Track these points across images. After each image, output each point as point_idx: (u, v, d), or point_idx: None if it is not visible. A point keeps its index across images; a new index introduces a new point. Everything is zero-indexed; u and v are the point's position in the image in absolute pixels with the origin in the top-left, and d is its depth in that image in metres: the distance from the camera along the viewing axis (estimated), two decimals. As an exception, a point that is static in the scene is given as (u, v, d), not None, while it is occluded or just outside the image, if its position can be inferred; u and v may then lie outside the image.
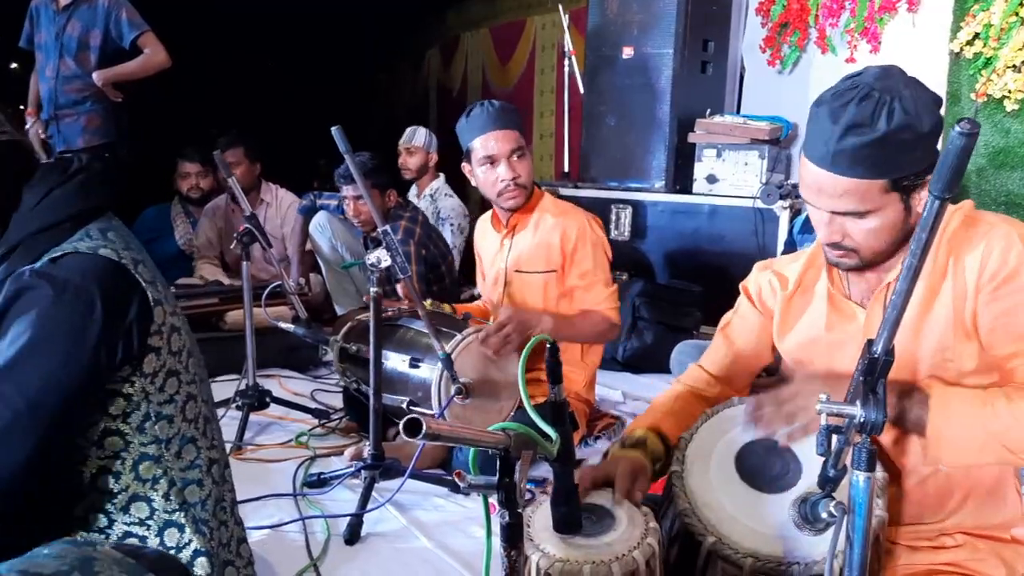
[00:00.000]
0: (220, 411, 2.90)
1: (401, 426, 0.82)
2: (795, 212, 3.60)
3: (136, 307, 1.24)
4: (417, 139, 4.71)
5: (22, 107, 4.34)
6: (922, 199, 1.36)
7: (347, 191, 3.59)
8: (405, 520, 2.20)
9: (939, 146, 1.36)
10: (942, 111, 3.38)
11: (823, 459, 1.17)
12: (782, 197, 3.61)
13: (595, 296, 2.58)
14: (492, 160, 2.53)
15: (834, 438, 1.12)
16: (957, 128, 0.89)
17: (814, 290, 1.60)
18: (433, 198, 4.65)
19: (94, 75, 3.98)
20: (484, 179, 2.58)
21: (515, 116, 2.59)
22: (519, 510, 1.09)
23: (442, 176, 4.77)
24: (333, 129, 2.12)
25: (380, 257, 2.15)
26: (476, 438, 0.97)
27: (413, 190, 4.81)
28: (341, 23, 7.66)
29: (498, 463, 1.05)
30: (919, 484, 1.45)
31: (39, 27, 4.07)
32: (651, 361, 3.58)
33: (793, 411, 1.37)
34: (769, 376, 2.06)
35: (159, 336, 1.28)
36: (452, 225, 4.53)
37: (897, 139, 1.27)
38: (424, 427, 0.82)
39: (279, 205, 4.58)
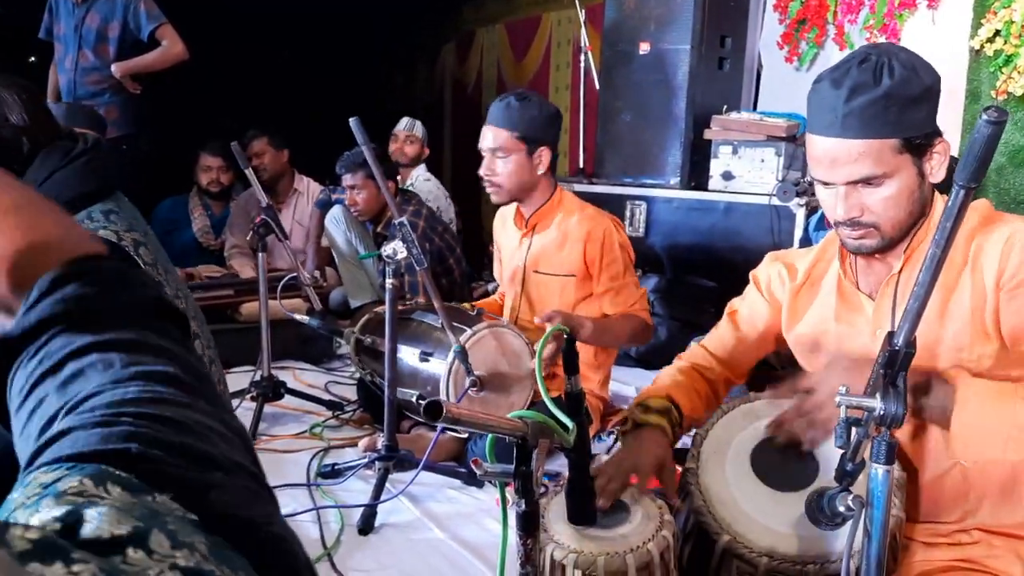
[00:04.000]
0: (235, 401, 2.93)
1: (422, 409, 0.82)
2: (811, 210, 3.58)
3: None
4: (418, 129, 4.85)
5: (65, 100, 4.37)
6: (933, 165, 1.38)
7: (347, 180, 3.62)
8: (418, 511, 2.21)
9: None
10: (960, 107, 3.35)
11: (840, 454, 1.16)
12: (798, 194, 3.59)
13: (627, 298, 2.57)
14: (482, 151, 2.59)
15: (853, 431, 1.12)
16: (984, 116, 0.88)
17: (823, 282, 1.60)
18: (415, 186, 4.73)
19: (112, 67, 4.00)
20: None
21: (517, 115, 2.53)
22: (535, 499, 1.10)
23: (423, 164, 4.91)
24: (351, 121, 2.13)
25: (396, 249, 2.15)
26: (494, 425, 0.97)
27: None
28: (356, 18, 7.67)
29: (515, 451, 1.06)
30: (935, 483, 1.45)
31: (58, 19, 4.09)
32: (665, 357, 3.51)
33: (819, 421, 1.37)
34: (770, 368, 2.06)
35: None
36: (432, 208, 4.58)
37: (902, 94, 1.30)
38: (444, 410, 0.82)
39: (311, 196, 4.63)
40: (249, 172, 2.84)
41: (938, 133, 1.37)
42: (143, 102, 4.19)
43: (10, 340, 0.54)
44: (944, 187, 1.26)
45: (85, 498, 0.38)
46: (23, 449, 0.51)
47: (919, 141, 1.34)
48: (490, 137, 2.55)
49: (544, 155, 2.57)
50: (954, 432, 1.26)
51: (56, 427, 0.47)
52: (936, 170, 1.38)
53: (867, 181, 1.35)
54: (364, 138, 2.15)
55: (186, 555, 0.36)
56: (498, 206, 2.78)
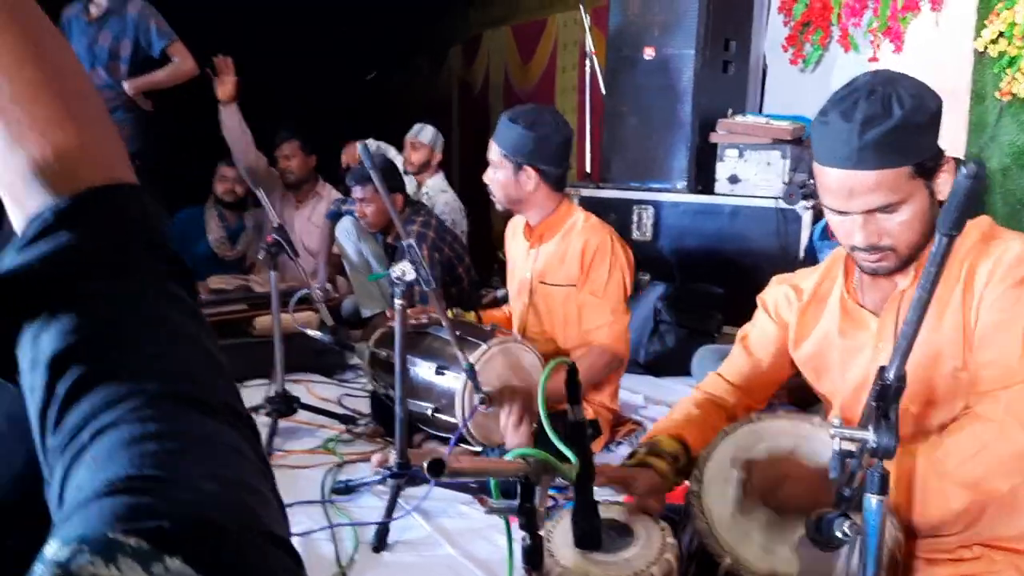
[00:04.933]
0: (250, 417, 2.97)
1: (425, 467, 0.86)
2: (818, 213, 3.59)
3: None
4: (424, 135, 4.81)
5: None
6: (940, 183, 1.41)
7: (356, 192, 3.69)
8: (431, 528, 2.24)
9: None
10: (965, 109, 3.35)
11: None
12: (804, 197, 3.60)
13: (595, 318, 2.57)
14: None
15: (847, 463, 1.15)
16: (963, 171, 0.92)
17: (828, 299, 1.63)
18: (430, 196, 4.71)
19: (124, 84, 4.06)
20: None
21: (505, 131, 2.59)
22: (539, 532, 1.13)
23: (441, 173, 4.87)
24: (358, 145, 2.18)
25: (404, 270, 2.19)
26: (497, 469, 1.01)
27: (411, 185, 4.85)
28: (363, 22, 7.70)
29: (519, 489, 1.09)
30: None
31: (71, 38, 4.14)
32: (672, 364, 3.59)
33: None
34: (791, 390, 2.09)
35: None
36: (446, 222, 4.57)
37: (913, 122, 1.34)
38: (447, 466, 0.86)
39: (329, 202, 4.68)
40: (260, 193, 2.89)
41: (942, 152, 1.41)
42: (156, 118, 4.25)
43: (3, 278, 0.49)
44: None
45: None
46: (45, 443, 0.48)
47: (930, 164, 1.39)
48: (491, 148, 2.64)
49: (529, 175, 2.58)
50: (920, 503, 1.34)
51: (79, 475, 0.45)
52: (943, 187, 1.42)
53: (883, 208, 1.39)
54: (371, 162, 2.19)
55: None
56: (507, 214, 2.84)
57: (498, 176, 2.62)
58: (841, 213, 1.43)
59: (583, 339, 2.63)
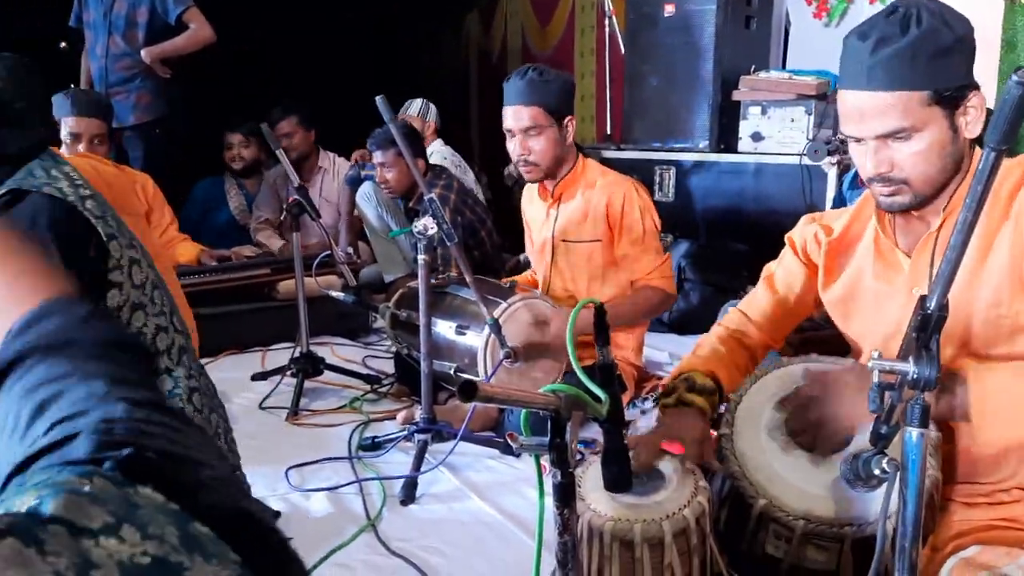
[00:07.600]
0: (275, 379, 3.00)
1: (457, 389, 0.85)
2: (844, 168, 3.52)
3: (93, 246, 1.25)
4: (411, 109, 4.78)
5: (73, 86, 4.42)
6: (968, 120, 1.34)
7: (378, 157, 3.66)
8: (458, 481, 2.25)
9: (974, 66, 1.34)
10: (996, 57, 3.25)
11: (875, 417, 1.17)
12: (830, 153, 3.53)
13: (645, 266, 2.58)
14: (510, 133, 2.57)
15: (887, 395, 1.12)
16: (1014, 77, 0.87)
17: (860, 240, 1.59)
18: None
19: (142, 52, 4.04)
20: (509, 147, 2.63)
21: (543, 89, 2.52)
22: (571, 470, 1.12)
23: (440, 140, 4.85)
24: (378, 99, 2.14)
25: (427, 225, 2.17)
26: (528, 400, 1.00)
27: None
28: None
29: (549, 424, 1.07)
30: (972, 444, 1.44)
31: (87, 6, 4.13)
32: (697, 322, 3.56)
33: (818, 437, 1.39)
34: (814, 328, 2.05)
35: (119, 271, 1.29)
36: None
37: (930, 44, 1.27)
38: (479, 390, 0.84)
39: (337, 172, 4.64)
40: (281, 153, 2.88)
41: (973, 86, 1.33)
42: (174, 86, 4.23)
43: None
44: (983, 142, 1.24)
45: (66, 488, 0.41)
46: (6, 454, 0.53)
47: (950, 93, 1.30)
48: (522, 116, 2.53)
49: (571, 125, 2.60)
50: (975, 423, 1.27)
51: (50, 437, 0.49)
52: (971, 125, 1.35)
53: (896, 135, 1.33)
54: (391, 116, 2.17)
55: (156, 545, 0.39)
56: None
57: (542, 140, 2.54)
58: (856, 141, 1.39)
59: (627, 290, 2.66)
